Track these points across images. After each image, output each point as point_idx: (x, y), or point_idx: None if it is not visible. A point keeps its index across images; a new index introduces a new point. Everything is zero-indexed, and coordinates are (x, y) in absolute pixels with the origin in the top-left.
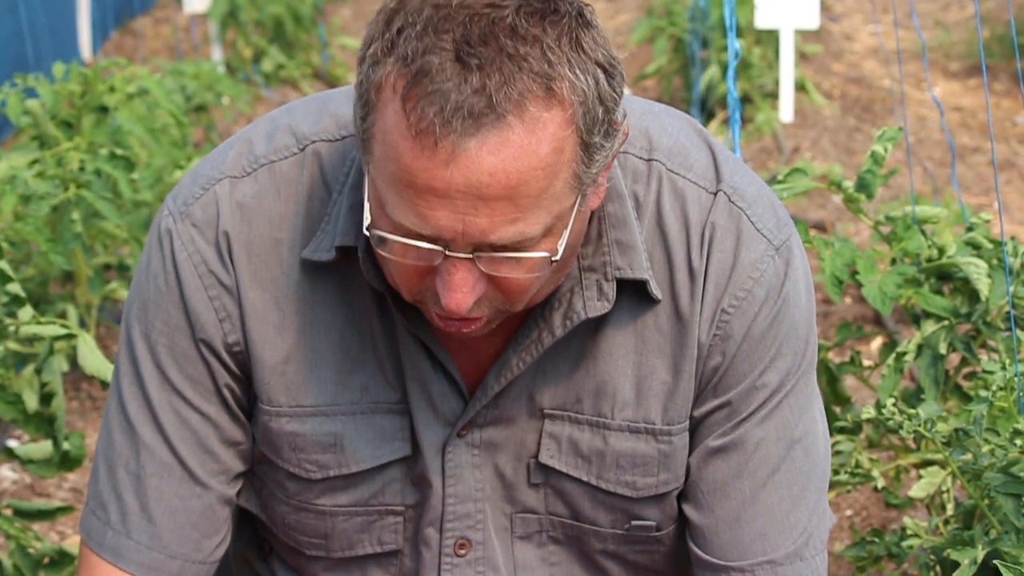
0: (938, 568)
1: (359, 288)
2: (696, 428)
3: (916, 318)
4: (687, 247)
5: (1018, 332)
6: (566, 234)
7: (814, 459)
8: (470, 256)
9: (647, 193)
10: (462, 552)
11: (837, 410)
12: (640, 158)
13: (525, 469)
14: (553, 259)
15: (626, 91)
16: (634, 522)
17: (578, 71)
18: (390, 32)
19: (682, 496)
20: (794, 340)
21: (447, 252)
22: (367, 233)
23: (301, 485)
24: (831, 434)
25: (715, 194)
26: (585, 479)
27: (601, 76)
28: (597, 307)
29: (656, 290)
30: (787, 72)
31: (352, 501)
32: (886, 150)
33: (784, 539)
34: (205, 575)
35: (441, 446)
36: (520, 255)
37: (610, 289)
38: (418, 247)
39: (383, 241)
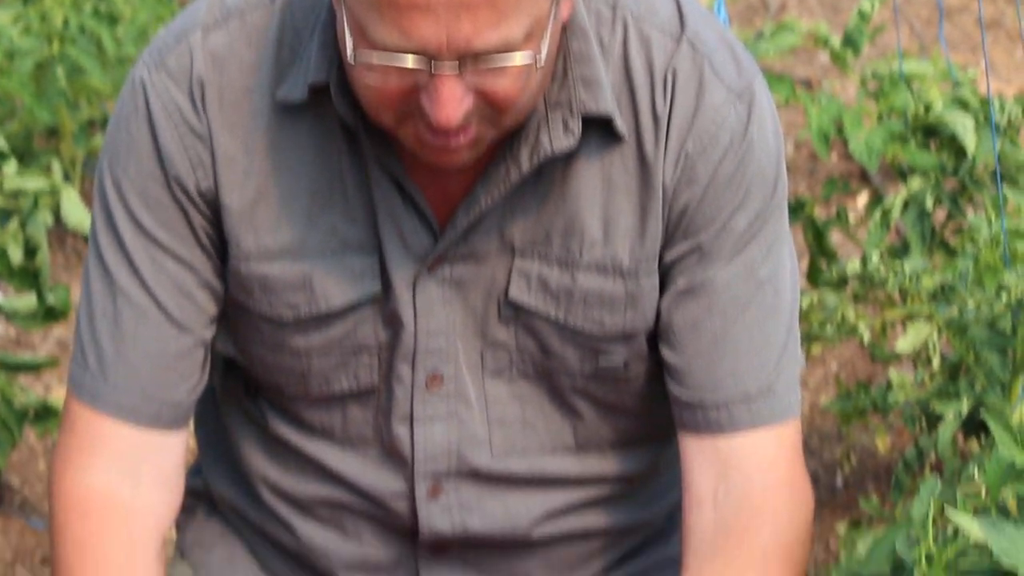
0: (923, 421)
1: (329, 130)
2: (667, 272)
3: (903, 174)
4: (651, 92)
5: (1004, 188)
6: (546, 38)
7: (783, 298)
8: (456, 72)
9: (612, 39)
10: (434, 387)
11: (823, 264)
12: (606, 3)
13: (495, 305)
14: (538, 62)
15: None
16: (602, 360)
17: None
18: None
19: (657, 338)
20: (761, 183)
21: (432, 70)
22: (351, 62)
23: (274, 327)
24: (816, 287)
25: (678, 41)
26: (553, 316)
27: None
28: (563, 141)
29: (621, 127)
30: None
31: (325, 341)
32: (873, 7)
33: (756, 375)
34: (183, 418)
35: (412, 281)
36: (504, 61)
37: (575, 124)
38: (402, 67)
39: (365, 67)
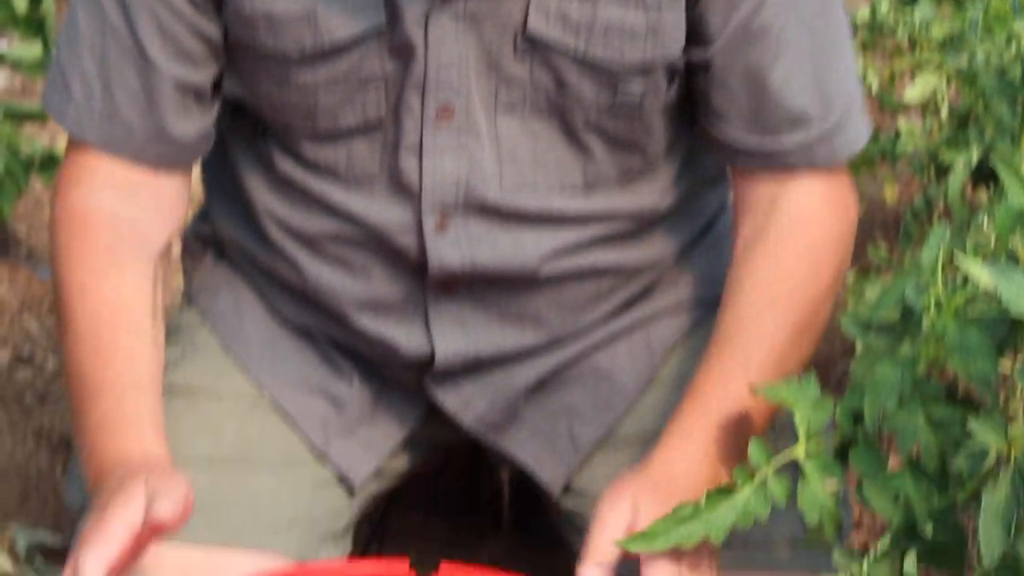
0: (932, 170)
1: None
2: (708, 18)
3: None
4: None
5: None
6: None
7: (837, 27)
8: None
9: None
10: (444, 120)
11: None
12: None
13: (511, 40)
14: None
15: None
16: (619, 94)
17: None
18: None
19: (715, 89)
20: None
21: None
22: None
23: (280, 65)
24: None
25: None
26: (572, 48)
27: None
28: None
29: None
30: None
31: (331, 75)
32: None
33: (828, 111)
34: (176, 162)
35: (423, 15)
36: None
37: None
38: None
39: None
